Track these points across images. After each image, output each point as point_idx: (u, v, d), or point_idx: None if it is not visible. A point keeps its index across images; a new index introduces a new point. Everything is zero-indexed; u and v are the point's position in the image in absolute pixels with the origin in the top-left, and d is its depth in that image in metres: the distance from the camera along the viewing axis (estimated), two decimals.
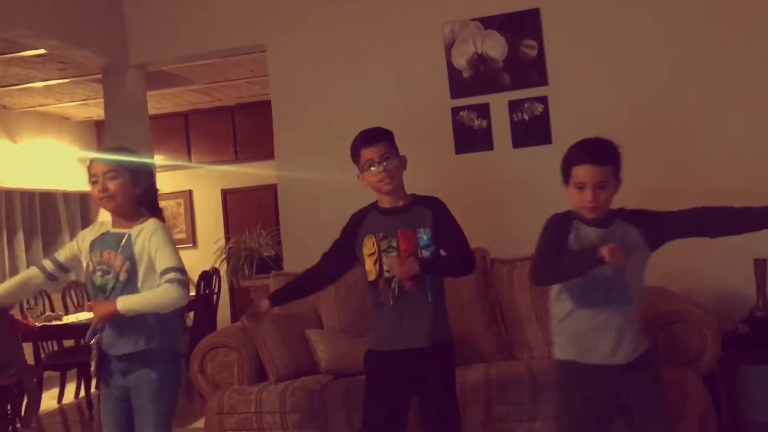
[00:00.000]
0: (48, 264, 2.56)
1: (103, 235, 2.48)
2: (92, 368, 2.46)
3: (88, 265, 2.47)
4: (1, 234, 6.81)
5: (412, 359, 2.50)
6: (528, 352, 3.54)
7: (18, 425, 4.80)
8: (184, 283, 2.33)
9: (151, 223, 2.43)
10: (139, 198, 2.46)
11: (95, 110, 7.31)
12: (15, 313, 5.55)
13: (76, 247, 2.53)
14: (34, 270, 2.58)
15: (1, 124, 6.94)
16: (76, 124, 7.91)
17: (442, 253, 2.54)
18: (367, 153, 2.52)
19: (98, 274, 2.42)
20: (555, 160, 3.88)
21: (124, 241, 2.40)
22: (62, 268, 2.57)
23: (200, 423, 3.82)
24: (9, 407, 4.91)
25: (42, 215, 7.38)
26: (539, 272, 2.28)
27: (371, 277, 2.54)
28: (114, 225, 2.49)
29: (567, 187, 2.26)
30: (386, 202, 2.58)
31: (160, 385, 2.42)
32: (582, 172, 2.18)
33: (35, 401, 4.86)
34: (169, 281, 2.31)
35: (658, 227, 2.23)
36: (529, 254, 3.67)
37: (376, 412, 2.54)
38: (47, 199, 7.38)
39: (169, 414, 2.47)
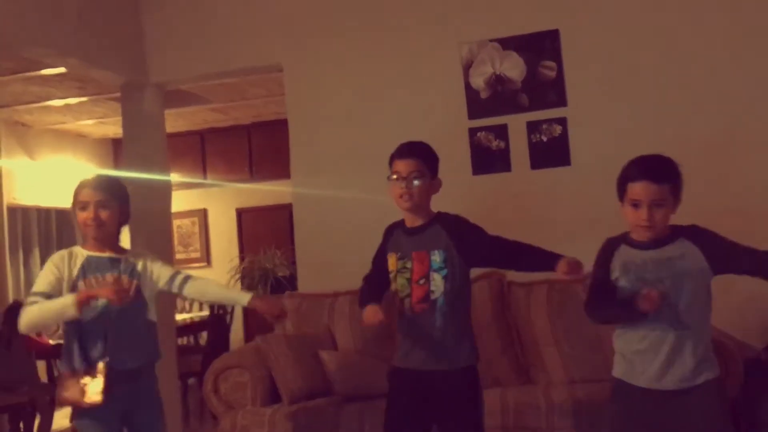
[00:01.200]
0: (38, 300, 2.42)
1: (90, 260, 2.49)
2: (98, 393, 2.39)
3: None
4: (17, 251, 6.84)
5: (423, 380, 2.45)
6: (545, 376, 3.48)
7: None
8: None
9: (140, 251, 2.66)
10: (120, 225, 2.57)
11: (112, 128, 7.37)
12: None
13: (58, 273, 2.46)
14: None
15: (20, 142, 7.00)
16: (93, 142, 7.98)
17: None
18: (397, 165, 2.50)
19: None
20: (574, 181, 3.90)
21: (123, 264, 2.53)
22: (51, 298, 2.43)
23: None
24: (22, 425, 4.90)
25: (58, 233, 7.42)
26: (590, 313, 2.27)
27: (392, 288, 2.53)
28: (96, 249, 2.52)
29: (622, 205, 2.20)
30: (408, 221, 2.56)
31: (160, 397, 2.60)
32: (638, 189, 2.12)
33: (48, 420, 4.85)
34: (188, 277, 2.60)
35: (727, 256, 2.14)
36: (546, 277, 3.66)
37: (392, 423, 2.51)
38: (63, 216, 7.42)
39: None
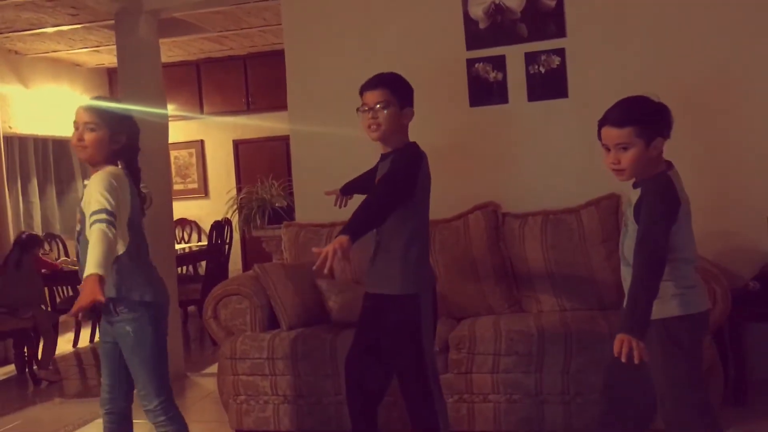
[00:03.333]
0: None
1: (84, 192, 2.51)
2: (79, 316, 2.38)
3: None
4: (15, 180, 6.86)
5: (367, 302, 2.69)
6: (537, 305, 3.56)
7: (35, 367, 4.92)
8: (107, 221, 2.27)
9: (99, 172, 2.41)
10: (116, 153, 2.48)
11: (107, 57, 7.28)
12: None
13: None
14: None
15: (14, 70, 6.92)
16: (89, 71, 7.88)
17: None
18: (365, 96, 2.54)
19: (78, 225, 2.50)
20: (570, 114, 3.90)
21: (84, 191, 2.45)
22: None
23: (213, 368, 3.90)
24: (26, 349, 5.03)
25: (55, 162, 7.42)
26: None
27: None
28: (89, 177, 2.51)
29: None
30: (381, 148, 2.65)
31: (137, 338, 2.44)
32: (603, 134, 2.16)
33: (51, 345, 4.97)
34: (93, 223, 2.27)
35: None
36: (541, 209, 3.71)
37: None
38: (60, 146, 7.41)
39: (155, 361, 2.48)
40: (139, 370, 2.47)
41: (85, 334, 6.01)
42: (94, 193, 2.32)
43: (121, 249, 2.38)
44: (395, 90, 2.54)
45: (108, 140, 2.45)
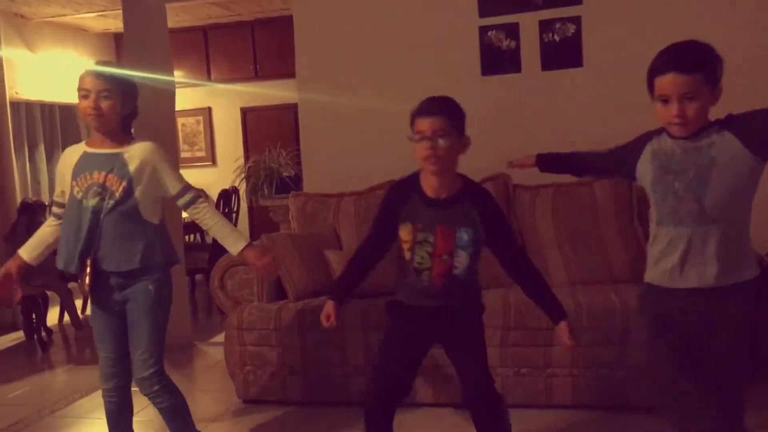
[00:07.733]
0: (57, 210, 2.54)
1: (84, 157, 2.44)
2: (86, 286, 2.40)
3: (73, 190, 2.42)
4: (22, 146, 6.83)
5: (430, 314, 2.38)
6: (548, 279, 3.50)
7: (43, 334, 4.94)
8: (203, 197, 2.58)
9: (146, 146, 2.46)
10: (124, 119, 2.46)
11: (114, 22, 7.20)
12: None
13: (61, 177, 2.50)
14: (49, 222, 2.60)
15: (19, 34, 6.85)
16: (95, 36, 7.80)
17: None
18: (421, 123, 2.24)
19: (90, 196, 2.38)
20: (585, 83, 3.82)
21: (118, 161, 2.39)
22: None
23: (220, 337, 3.89)
24: (34, 316, 5.04)
25: (62, 128, 7.38)
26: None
27: (406, 257, 2.34)
28: (96, 145, 2.45)
29: (654, 103, 1.95)
30: (430, 189, 2.31)
31: (157, 298, 2.46)
32: (665, 83, 1.87)
33: (70, 306, 5.04)
34: (194, 200, 2.51)
35: (760, 126, 1.89)
36: (552, 181, 3.65)
37: (391, 355, 2.43)
38: (67, 111, 7.36)
39: (164, 327, 2.51)
40: (147, 331, 2.44)
41: None
42: (167, 169, 2.46)
43: (156, 219, 2.48)
44: (454, 118, 2.27)
45: (120, 106, 2.41)
